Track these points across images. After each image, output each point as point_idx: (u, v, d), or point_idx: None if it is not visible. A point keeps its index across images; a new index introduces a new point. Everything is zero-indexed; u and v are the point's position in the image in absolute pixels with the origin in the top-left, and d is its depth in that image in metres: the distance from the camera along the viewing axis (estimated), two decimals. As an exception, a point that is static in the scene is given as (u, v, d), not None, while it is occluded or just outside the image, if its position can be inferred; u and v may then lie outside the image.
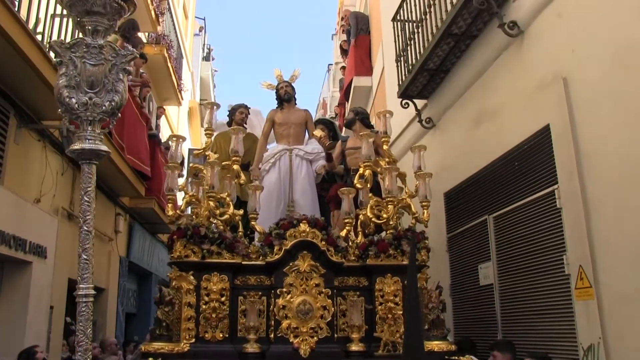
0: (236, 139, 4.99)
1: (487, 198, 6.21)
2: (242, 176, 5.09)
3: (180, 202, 5.31)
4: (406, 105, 7.94)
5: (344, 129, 8.61)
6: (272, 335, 4.43)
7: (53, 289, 6.56)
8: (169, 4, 12.73)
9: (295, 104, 6.60)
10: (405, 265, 4.51)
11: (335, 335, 4.52)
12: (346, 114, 11.07)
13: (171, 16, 13.22)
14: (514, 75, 5.67)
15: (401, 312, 4.56)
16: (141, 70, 9.22)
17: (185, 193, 4.92)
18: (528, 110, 5.33)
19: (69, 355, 6.72)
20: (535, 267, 5.19)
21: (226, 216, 4.75)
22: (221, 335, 4.35)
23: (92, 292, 2.28)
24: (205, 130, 5.18)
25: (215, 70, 27.75)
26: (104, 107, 2.38)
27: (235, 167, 5.01)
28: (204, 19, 24.48)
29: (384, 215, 4.83)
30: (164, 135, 11.86)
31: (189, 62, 18.27)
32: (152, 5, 10.25)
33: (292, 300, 4.47)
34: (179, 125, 16.47)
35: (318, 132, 6.05)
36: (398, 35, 8.14)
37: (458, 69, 6.81)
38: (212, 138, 5.62)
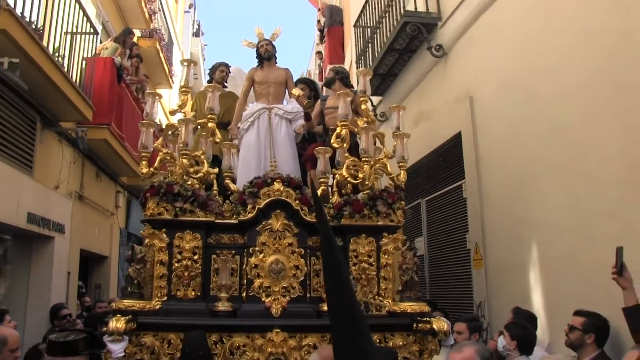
0: (212, 96, 4.85)
1: (422, 185, 7.66)
2: (218, 134, 4.96)
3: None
4: (364, 102, 9.25)
5: (324, 89, 8.58)
6: (244, 294, 4.33)
7: (70, 258, 8.02)
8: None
9: (276, 62, 6.35)
10: (380, 226, 4.54)
11: (308, 295, 4.39)
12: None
13: (161, 6, 14.38)
14: (440, 87, 7.07)
15: (375, 273, 4.48)
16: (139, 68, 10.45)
17: (160, 151, 4.70)
18: (449, 118, 6.72)
19: (81, 312, 8.23)
20: (449, 242, 6.69)
21: (200, 174, 4.62)
22: (193, 294, 4.27)
23: None
24: (180, 89, 4.98)
25: (205, 45, 28.76)
26: None
27: (211, 125, 4.87)
28: (194, -4, 25.38)
29: (360, 176, 4.67)
30: (159, 119, 13.13)
31: (179, 44, 19.50)
32: (145, 7, 11.59)
33: (264, 259, 4.34)
34: (170, 104, 17.70)
35: (296, 91, 5.87)
36: (358, 40, 9.45)
37: (403, 75, 8.19)
38: (192, 96, 5.89)
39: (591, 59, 4.23)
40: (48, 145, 7.34)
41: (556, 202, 4.63)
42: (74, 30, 7.35)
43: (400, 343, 4.25)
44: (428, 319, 4.23)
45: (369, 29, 8.97)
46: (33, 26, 5.95)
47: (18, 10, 5.55)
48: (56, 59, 6.54)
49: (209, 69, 7.00)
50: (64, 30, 7.06)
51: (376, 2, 8.44)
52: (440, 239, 6.97)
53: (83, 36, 7.70)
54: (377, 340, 4.16)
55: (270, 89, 6.15)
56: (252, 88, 6.28)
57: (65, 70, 6.84)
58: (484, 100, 5.95)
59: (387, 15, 7.82)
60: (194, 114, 5.93)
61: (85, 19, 7.64)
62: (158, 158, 4.65)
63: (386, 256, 4.52)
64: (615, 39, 3.97)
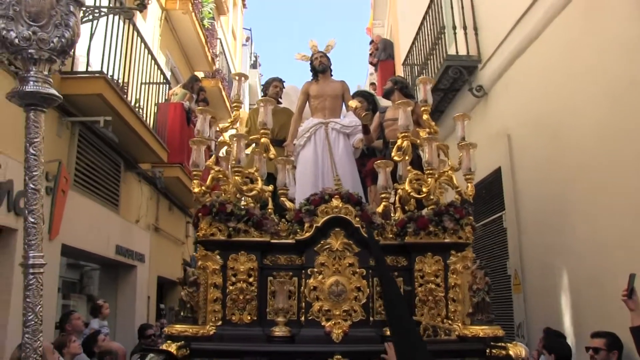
0: (265, 110, 4.62)
1: (470, 213, 8.17)
2: (272, 150, 4.71)
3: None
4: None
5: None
6: (302, 318, 4.07)
7: (149, 284, 9.06)
8: (220, 38, 15.03)
9: (331, 75, 6.09)
10: (447, 244, 4.27)
11: (371, 319, 4.11)
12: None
13: (222, 49, 15.51)
14: (482, 123, 7.59)
15: (443, 294, 4.19)
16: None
17: (212, 169, 4.54)
18: (490, 153, 7.20)
19: (160, 332, 9.08)
20: (494, 268, 7.15)
21: (254, 192, 4.39)
22: (249, 318, 4.06)
23: (42, 261, 1.84)
24: (232, 104, 4.81)
25: (262, 75, 29.99)
26: (51, 44, 1.99)
27: (264, 140, 4.63)
28: (250, 30, 26.76)
29: (424, 190, 4.40)
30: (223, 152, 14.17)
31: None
32: (209, 52, 12.82)
33: (324, 280, 4.10)
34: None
35: (353, 103, 5.59)
36: (407, 77, 10.08)
37: (448, 112, 8.72)
38: (244, 114, 6.25)
39: (607, 103, 4.74)
40: (130, 184, 8.38)
41: (580, 232, 5.12)
42: (149, 80, 8.30)
43: (473, 370, 3.89)
44: (503, 344, 3.90)
45: (417, 67, 9.61)
46: (118, 83, 6.88)
47: (100, 67, 6.34)
48: (136, 109, 7.48)
49: (262, 85, 6.96)
50: (141, 81, 7.99)
51: (422, 43, 9.10)
52: (486, 264, 7.45)
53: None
54: None
55: (326, 103, 5.91)
56: (307, 103, 6.05)
57: (144, 118, 7.77)
58: (520, 138, 6.47)
59: (432, 56, 8.46)
60: (247, 129, 5.92)
61: (158, 70, 8.62)
62: (210, 176, 4.49)
63: (455, 276, 4.24)
64: (624, 86, 4.48)
